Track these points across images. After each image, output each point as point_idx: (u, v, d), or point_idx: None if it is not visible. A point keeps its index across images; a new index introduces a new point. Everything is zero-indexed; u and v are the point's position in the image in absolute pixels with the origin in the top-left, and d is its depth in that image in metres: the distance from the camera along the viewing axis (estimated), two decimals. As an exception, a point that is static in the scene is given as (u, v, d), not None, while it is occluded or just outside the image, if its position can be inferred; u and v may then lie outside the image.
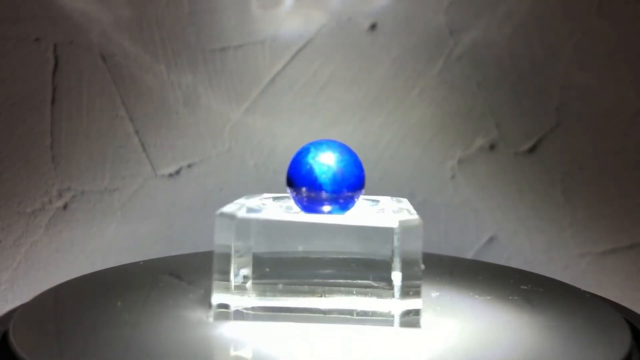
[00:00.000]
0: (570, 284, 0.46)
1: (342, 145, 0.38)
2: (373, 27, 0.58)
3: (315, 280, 0.37)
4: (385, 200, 0.43)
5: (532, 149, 0.59)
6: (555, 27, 0.58)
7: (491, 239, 0.60)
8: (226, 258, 0.35)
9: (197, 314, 0.36)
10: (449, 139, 0.59)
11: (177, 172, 0.58)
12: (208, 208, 0.57)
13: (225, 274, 0.35)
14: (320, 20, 0.58)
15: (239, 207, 0.37)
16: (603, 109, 0.59)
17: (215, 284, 0.35)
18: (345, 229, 0.36)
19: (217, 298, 0.36)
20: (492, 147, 0.59)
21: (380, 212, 0.39)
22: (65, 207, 0.57)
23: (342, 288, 0.37)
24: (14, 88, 0.55)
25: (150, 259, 0.49)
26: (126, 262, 0.47)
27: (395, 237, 0.35)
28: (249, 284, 0.36)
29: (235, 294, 0.36)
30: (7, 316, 0.37)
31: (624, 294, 0.59)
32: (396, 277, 0.35)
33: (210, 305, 0.36)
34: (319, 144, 0.38)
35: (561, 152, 0.59)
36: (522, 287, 0.43)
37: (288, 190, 0.38)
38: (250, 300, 0.36)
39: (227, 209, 0.37)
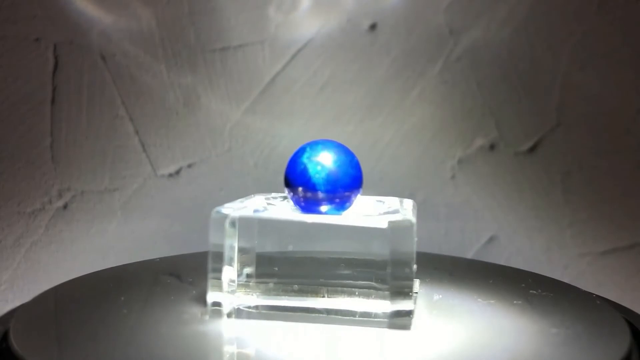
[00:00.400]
0: (570, 284, 0.46)
1: (339, 145, 0.38)
2: (373, 27, 0.58)
3: (306, 280, 0.37)
4: (390, 201, 0.42)
5: (532, 149, 0.59)
6: (555, 27, 0.58)
7: (491, 239, 0.60)
8: (220, 257, 0.36)
9: (197, 314, 0.36)
10: (449, 139, 0.59)
11: (177, 172, 0.58)
12: (208, 208, 0.57)
13: (219, 273, 0.36)
14: (320, 20, 0.58)
15: (234, 207, 0.37)
16: (603, 109, 0.59)
17: (211, 282, 0.36)
18: (341, 229, 0.36)
19: (212, 296, 0.36)
20: (492, 147, 0.59)
21: (379, 212, 0.39)
22: (65, 207, 0.57)
23: (330, 288, 0.37)
24: (14, 88, 0.55)
25: (150, 259, 0.49)
26: (126, 262, 0.48)
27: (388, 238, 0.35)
28: (238, 283, 0.37)
29: (228, 293, 0.36)
30: (7, 316, 0.37)
31: (624, 294, 0.59)
32: (388, 277, 0.35)
33: (205, 304, 0.36)
34: (315, 144, 0.38)
35: (561, 152, 0.59)
36: (523, 286, 0.43)
37: (286, 190, 0.38)
38: (239, 299, 0.36)
39: (222, 208, 0.37)
